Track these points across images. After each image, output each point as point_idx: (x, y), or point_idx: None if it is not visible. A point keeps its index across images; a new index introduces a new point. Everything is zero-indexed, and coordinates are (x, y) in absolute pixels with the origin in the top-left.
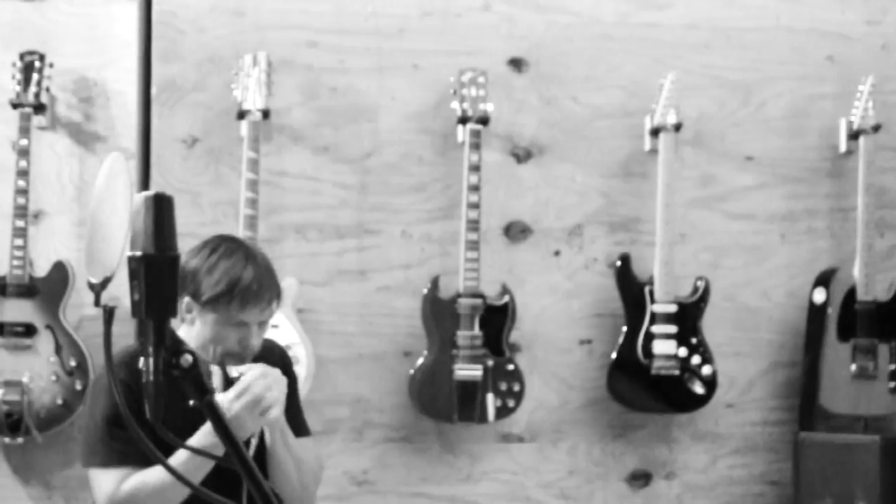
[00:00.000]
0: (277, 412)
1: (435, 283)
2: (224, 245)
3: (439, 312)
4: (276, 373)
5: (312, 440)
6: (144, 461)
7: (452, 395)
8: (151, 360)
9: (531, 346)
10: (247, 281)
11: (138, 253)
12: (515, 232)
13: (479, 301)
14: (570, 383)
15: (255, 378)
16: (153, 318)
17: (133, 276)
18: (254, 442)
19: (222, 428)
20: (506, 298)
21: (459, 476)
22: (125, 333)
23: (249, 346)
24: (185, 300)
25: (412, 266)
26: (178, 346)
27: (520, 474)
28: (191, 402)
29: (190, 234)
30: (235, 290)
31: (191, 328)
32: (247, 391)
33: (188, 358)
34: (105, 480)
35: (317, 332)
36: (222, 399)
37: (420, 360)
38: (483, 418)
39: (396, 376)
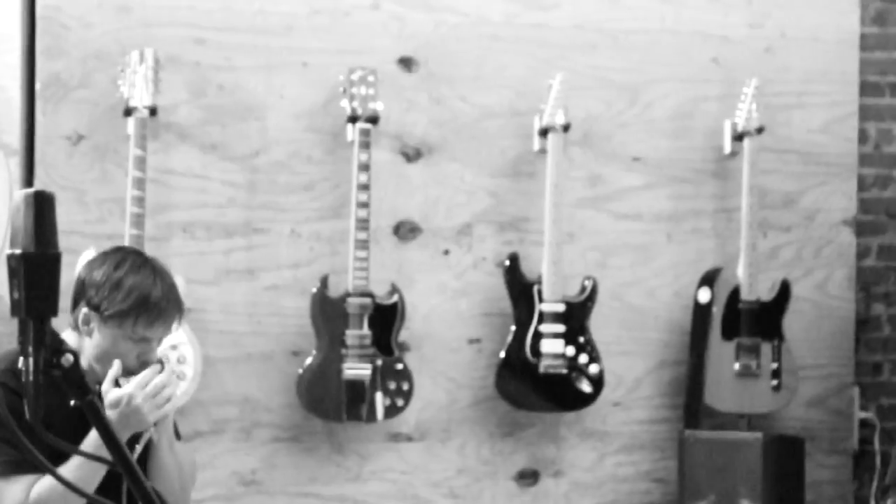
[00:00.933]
0: (172, 407)
1: (324, 282)
2: (130, 259)
3: (328, 312)
4: (170, 376)
5: (186, 444)
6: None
7: (341, 394)
8: (31, 360)
9: (420, 345)
10: (156, 298)
11: (18, 251)
12: (405, 231)
13: (368, 300)
14: (459, 382)
15: (155, 371)
16: (33, 317)
17: (13, 274)
18: (140, 443)
19: (104, 428)
20: (395, 298)
21: (348, 476)
22: (10, 332)
23: (148, 363)
24: (84, 311)
25: (301, 265)
26: (58, 346)
27: (408, 473)
28: (72, 403)
29: (75, 233)
30: (144, 307)
31: (86, 340)
32: (148, 382)
33: (69, 357)
34: (11, 491)
35: (205, 331)
36: (121, 391)
37: (309, 360)
38: (372, 417)
39: (285, 376)
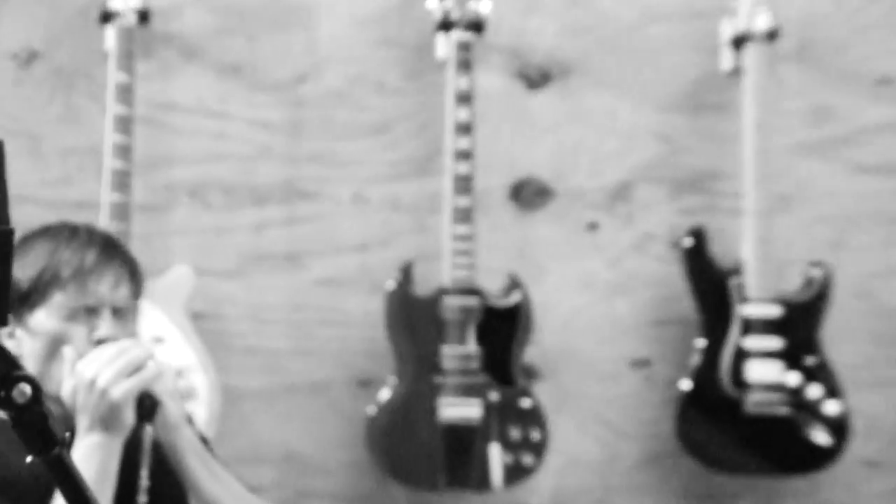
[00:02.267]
0: (171, 383)
1: (406, 273)
2: (36, 233)
3: (414, 318)
4: (150, 350)
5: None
6: None
7: (436, 447)
8: None
9: (557, 369)
10: (73, 253)
11: None
12: (528, 195)
13: (474, 301)
14: (619, 428)
15: (124, 343)
16: None
17: None
18: (142, 463)
19: (73, 489)
20: (516, 297)
21: None
22: None
23: (105, 337)
24: (10, 327)
25: (371, 247)
26: (10, 370)
27: None
28: (29, 458)
29: (29, 200)
30: (60, 268)
31: (31, 363)
32: (105, 351)
33: (25, 389)
34: None
35: (225, 349)
36: (74, 375)
37: (385, 394)
38: (484, 484)
39: (348, 419)
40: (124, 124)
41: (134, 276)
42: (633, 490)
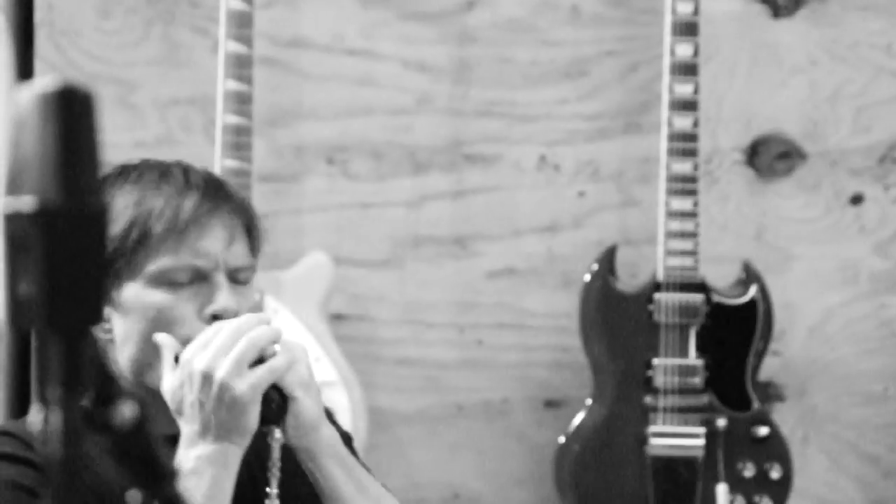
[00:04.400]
0: (304, 374)
1: (608, 261)
2: (112, 177)
3: (617, 321)
4: (279, 327)
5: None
6: None
7: (646, 486)
8: (59, 414)
9: (805, 388)
10: (167, 200)
11: (27, 204)
12: (770, 158)
13: (697, 298)
14: (887, 464)
15: (246, 317)
16: (61, 329)
17: (16, 248)
18: (272, 481)
19: None
20: (752, 292)
21: None
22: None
23: (223, 310)
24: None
25: (560, 228)
26: (108, 386)
27: None
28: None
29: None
30: (150, 222)
31: (114, 345)
32: (231, 335)
33: (129, 411)
34: None
35: (373, 360)
36: (179, 369)
37: (579, 418)
38: None
39: (531, 449)
40: (241, 67)
41: (250, 226)
42: None
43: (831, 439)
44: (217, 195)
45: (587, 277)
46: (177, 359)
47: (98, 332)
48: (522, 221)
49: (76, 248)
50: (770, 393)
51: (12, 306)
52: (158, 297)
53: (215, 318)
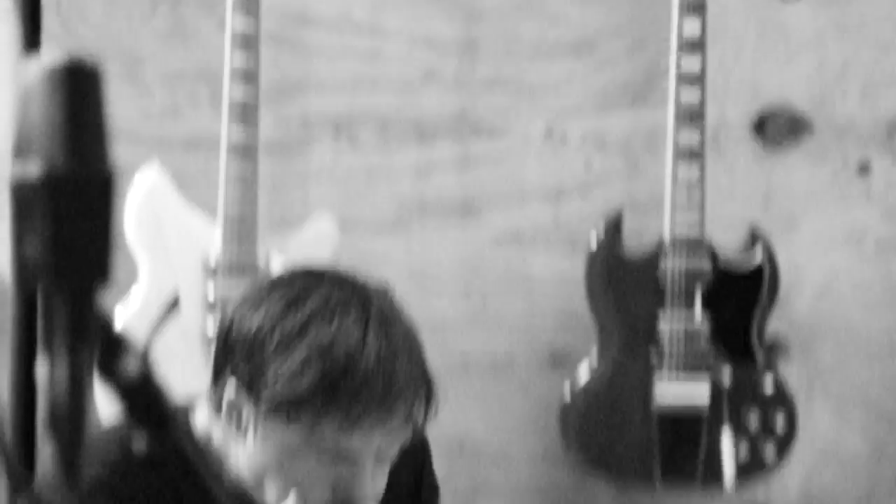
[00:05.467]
0: None
1: (614, 226)
2: (317, 293)
3: (623, 283)
4: None
5: None
6: None
7: (651, 438)
8: (63, 366)
9: (810, 344)
10: (364, 372)
11: (35, 170)
12: (777, 129)
13: (703, 263)
14: (892, 415)
15: None
16: (67, 288)
17: (24, 211)
18: None
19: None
20: (758, 256)
21: None
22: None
23: (357, 500)
24: (231, 390)
25: (566, 195)
26: (113, 339)
27: None
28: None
29: (127, 137)
30: (337, 389)
31: (242, 444)
32: None
33: (135, 362)
34: None
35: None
36: None
37: (584, 374)
38: (712, 484)
39: (538, 404)
40: (248, 43)
41: (426, 413)
42: None
43: (836, 394)
44: (408, 408)
45: (593, 243)
46: None
47: (228, 424)
48: (529, 190)
49: (82, 212)
50: (775, 348)
51: (18, 268)
52: (300, 457)
53: (346, 501)
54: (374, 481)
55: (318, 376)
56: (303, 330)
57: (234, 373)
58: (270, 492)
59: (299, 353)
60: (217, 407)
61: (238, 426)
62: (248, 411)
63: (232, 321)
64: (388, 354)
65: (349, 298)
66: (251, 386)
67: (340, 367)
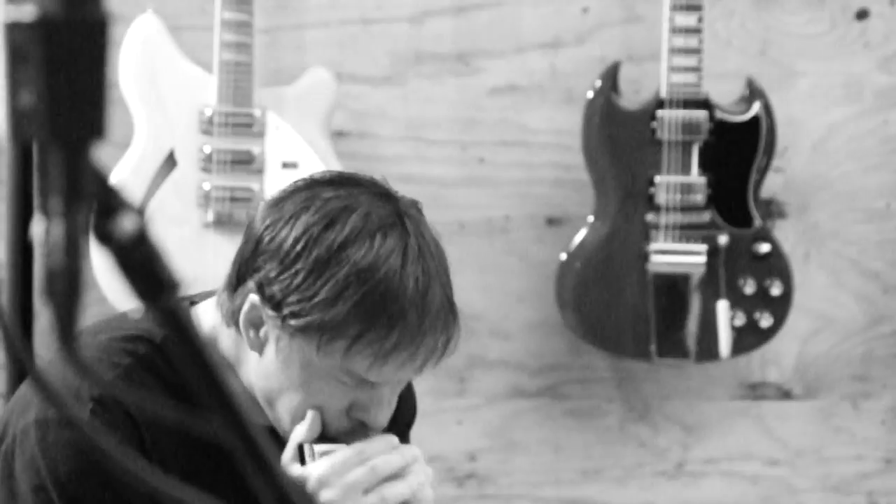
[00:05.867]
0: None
1: (610, 78)
2: (357, 210)
3: (620, 138)
4: (415, 453)
5: None
6: None
7: (647, 304)
8: (61, 225)
9: (807, 204)
10: (401, 302)
11: (29, 13)
12: None
13: (700, 115)
14: (889, 280)
15: (385, 446)
16: (62, 140)
17: (17, 59)
18: None
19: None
20: (755, 108)
21: (659, 466)
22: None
23: (372, 423)
24: (252, 301)
25: (563, 44)
26: (110, 198)
27: (785, 464)
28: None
29: None
30: (374, 317)
31: (258, 357)
32: (361, 463)
33: (131, 221)
34: None
35: (375, 176)
36: (305, 471)
37: (580, 235)
38: (708, 352)
39: (532, 267)
40: None
41: (447, 351)
42: None
43: (832, 255)
44: (437, 341)
45: (590, 94)
46: (300, 449)
47: (246, 336)
48: (525, 38)
49: (77, 59)
50: (772, 210)
51: (13, 118)
52: (321, 377)
53: (359, 426)
54: (388, 408)
55: (354, 303)
56: (340, 250)
57: (259, 287)
58: (283, 408)
59: (336, 276)
60: (232, 316)
61: (256, 340)
62: (270, 328)
63: (264, 230)
64: (425, 284)
65: (388, 218)
66: (279, 304)
67: (378, 295)
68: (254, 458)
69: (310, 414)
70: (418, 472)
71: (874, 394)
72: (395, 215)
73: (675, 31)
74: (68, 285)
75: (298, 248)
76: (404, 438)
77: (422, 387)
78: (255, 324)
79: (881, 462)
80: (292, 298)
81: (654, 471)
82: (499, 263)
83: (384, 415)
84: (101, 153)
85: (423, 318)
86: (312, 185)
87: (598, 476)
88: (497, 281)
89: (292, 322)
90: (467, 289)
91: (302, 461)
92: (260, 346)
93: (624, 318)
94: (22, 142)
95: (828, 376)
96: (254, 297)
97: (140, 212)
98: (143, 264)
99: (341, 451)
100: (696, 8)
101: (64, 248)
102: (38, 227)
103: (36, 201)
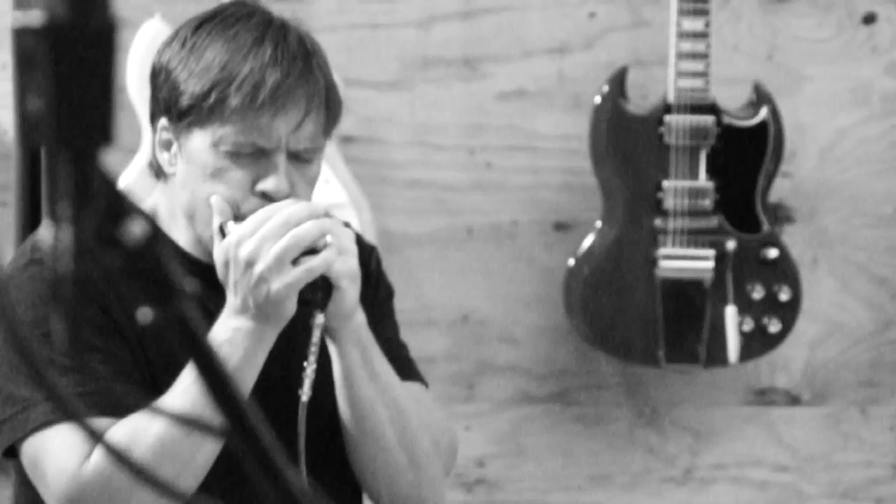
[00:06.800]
0: (346, 267)
1: (618, 83)
2: (210, 22)
3: (628, 143)
4: (332, 223)
5: (429, 395)
6: (118, 409)
7: (655, 310)
8: (69, 230)
9: (815, 209)
10: (252, 70)
11: (37, 18)
12: None
13: (708, 120)
14: None
15: (291, 203)
16: (70, 145)
17: (26, 65)
18: (305, 391)
19: (203, 357)
20: (763, 114)
21: (668, 472)
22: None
23: (275, 192)
24: (160, 125)
25: (570, 49)
26: (119, 202)
27: (794, 470)
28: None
29: None
30: (230, 89)
31: (171, 184)
32: (268, 223)
33: (139, 226)
34: (60, 449)
35: (382, 182)
36: (224, 242)
37: (588, 241)
38: (716, 357)
39: (541, 272)
40: None
41: (329, 107)
42: None
43: (840, 261)
44: (302, 73)
45: (598, 99)
46: (221, 229)
47: (163, 162)
48: (533, 42)
49: (85, 63)
50: (780, 215)
51: (22, 123)
52: (218, 159)
53: (264, 197)
54: (294, 184)
55: (217, 72)
56: (206, 39)
57: (161, 108)
58: (202, 213)
59: (202, 59)
60: (153, 159)
61: (170, 159)
62: (175, 139)
63: (154, 62)
64: (278, 53)
65: (254, 11)
66: (171, 109)
67: (235, 63)
68: (262, 463)
69: (213, 199)
70: (338, 235)
71: (883, 399)
72: (248, 11)
73: (683, 35)
74: (77, 290)
75: (176, 53)
76: (386, 314)
77: (430, 393)
78: (166, 145)
79: (890, 468)
80: (177, 95)
81: (663, 477)
82: (507, 269)
83: (283, 183)
84: (109, 158)
85: (282, 78)
86: (186, 22)
87: (607, 482)
88: (505, 286)
89: (181, 116)
90: (475, 294)
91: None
92: (174, 165)
93: (632, 324)
94: (31, 147)
95: (836, 382)
96: (161, 121)
97: (148, 217)
98: (151, 269)
99: (268, 223)
100: (704, 13)
101: (72, 253)
102: (46, 233)
103: (45, 207)
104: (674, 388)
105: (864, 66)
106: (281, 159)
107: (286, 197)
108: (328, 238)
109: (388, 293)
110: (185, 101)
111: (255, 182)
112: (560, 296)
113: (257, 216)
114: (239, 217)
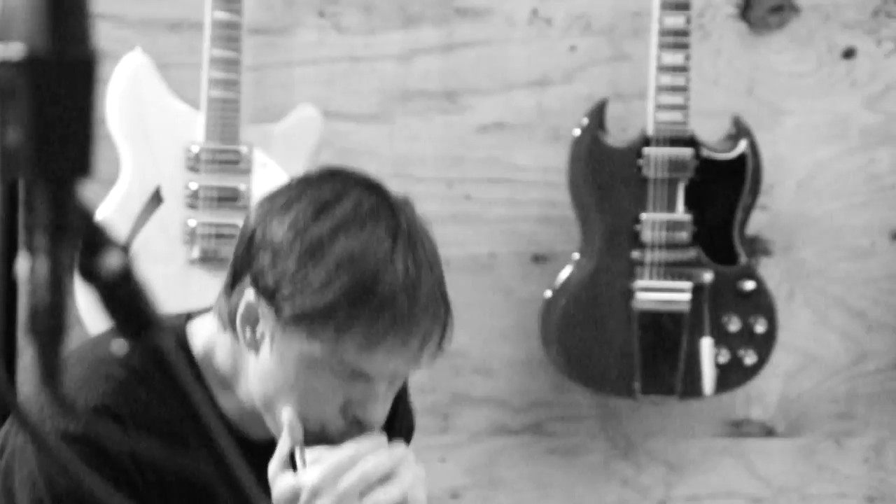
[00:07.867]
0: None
1: (597, 116)
2: (348, 199)
3: (606, 176)
4: (404, 453)
5: None
6: None
7: (631, 342)
8: (46, 262)
9: (791, 242)
10: (395, 288)
11: (17, 51)
12: (762, 12)
13: (687, 152)
14: (873, 319)
15: (376, 445)
16: (48, 178)
17: (4, 95)
18: None
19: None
20: (741, 147)
21: (643, 503)
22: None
23: (368, 421)
24: (249, 299)
25: (550, 82)
26: (95, 235)
27: (768, 502)
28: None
29: (108, 17)
30: (363, 302)
31: (249, 357)
32: (354, 465)
33: (117, 258)
34: None
35: None
36: (298, 478)
37: (565, 273)
38: (692, 389)
39: (518, 304)
40: None
41: (442, 339)
42: (886, 400)
43: (817, 294)
44: (428, 330)
45: (577, 132)
46: (292, 455)
47: (241, 334)
48: (513, 76)
49: (64, 96)
50: (757, 248)
51: (0, 155)
52: (316, 377)
53: (356, 420)
54: (384, 405)
55: (344, 288)
56: (332, 237)
57: (254, 281)
58: (276, 409)
59: (327, 262)
60: (229, 317)
61: (252, 339)
62: (266, 323)
63: (257, 225)
64: (415, 271)
65: (378, 207)
66: (273, 295)
67: (368, 280)
68: (234, 494)
69: (285, 414)
70: (406, 473)
71: (857, 432)
72: (387, 205)
73: (662, 69)
74: (52, 322)
75: (290, 236)
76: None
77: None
78: (252, 320)
79: (864, 500)
80: (285, 288)
81: None
82: (484, 300)
83: (379, 411)
84: (86, 190)
85: (413, 303)
86: (303, 179)
87: None
88: (482, 318)
89: (286, 311)
90: (458, 325)
91: (294, 468)
92: (256, 345)
93: (608, 356)
94: (8, 178)
95: (811, 414)
96: (250, 292)
97: (125, 249)
98: (127, 301)
99: (332, 456)
100: (683, 46)
101: (49, 285)
102: (22, 264)
103: (21, 238)
104: (649, 420)
105: (843, 100)
106: (383, 388)
107: (379, 422)
108: (391, 493)
109: (411, 426)
110: (296, 313)
111: (347, 402)
112: (537, 327)
113: (337, 464)
114: (321, 437)
